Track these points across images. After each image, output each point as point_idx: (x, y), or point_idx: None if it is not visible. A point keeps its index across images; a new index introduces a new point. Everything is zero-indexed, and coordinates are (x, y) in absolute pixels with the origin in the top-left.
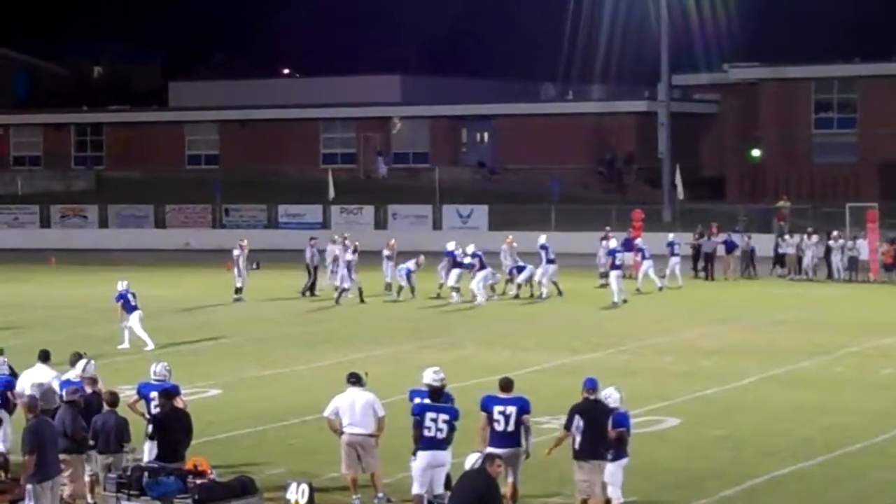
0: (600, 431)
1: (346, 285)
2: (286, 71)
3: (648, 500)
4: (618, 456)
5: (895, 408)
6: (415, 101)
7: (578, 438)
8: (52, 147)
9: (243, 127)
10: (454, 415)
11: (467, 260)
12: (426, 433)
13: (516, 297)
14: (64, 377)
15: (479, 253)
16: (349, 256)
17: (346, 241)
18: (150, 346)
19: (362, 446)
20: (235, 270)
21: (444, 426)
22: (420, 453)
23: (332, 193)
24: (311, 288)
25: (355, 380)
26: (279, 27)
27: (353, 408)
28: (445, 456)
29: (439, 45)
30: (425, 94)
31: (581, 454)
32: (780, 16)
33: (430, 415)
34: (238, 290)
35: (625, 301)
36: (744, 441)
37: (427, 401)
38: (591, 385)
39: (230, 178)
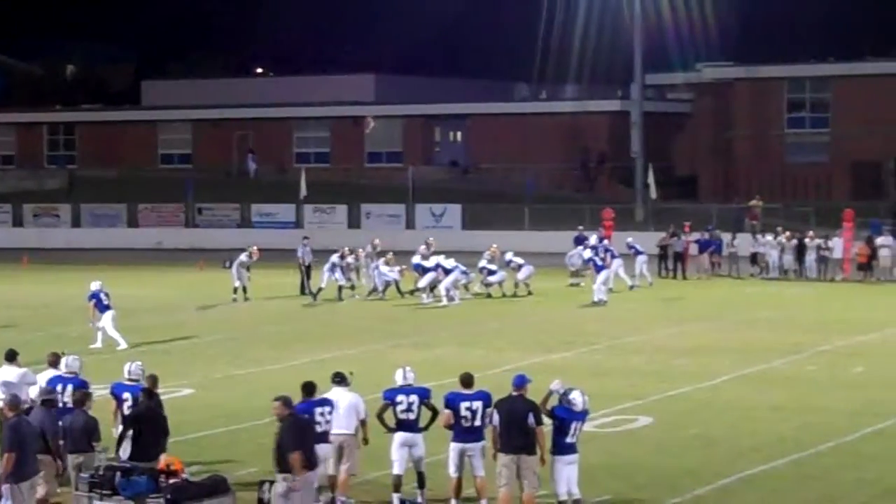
0: (517, 426)
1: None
2: (259, 70)
3: (621, 499)
4: (561, 452)
5: (867, 407)
6: (388, 100)
7: (498, 431)
8: (25, 146)
9: (216, 126)
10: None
11: (426, 264)
12: (317, 428)
13: (488, 296)
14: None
15: (440, 263)
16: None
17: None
18: (123, 345)
19: (345, 446)
20: (233, 269)
21: (330, 419)
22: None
23: (304, 192)
24: (304, 287)
25: (340, 379)
26: (253, 26)
27: (337, 407)
28: (330, 448)
29: (413, 44)
30: (399, 93)
31: (500, 447)
32: (754, 15)
33: (318, 409)
34: (235, 290)
35: (598, 301)
36: (716, 440)
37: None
38: (516, 382)
39: (203, 177)
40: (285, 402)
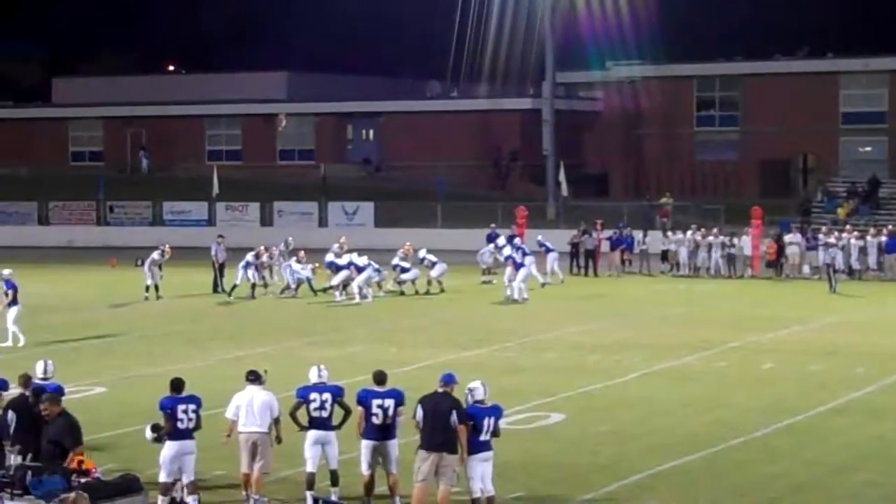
0: (441, 423)
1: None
2: (171, 68)
3: (533, 496)
4: (475, 450)
5: (776, 402)
6: (301, 97)
7: (421, 427)
8: None
9: (128, 124)
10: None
11: (339, 261)
12: (179, 425)
13: (401, 293)
14: None
15: (352, 261)
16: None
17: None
18: (22, 342)
19: (259, 444)
20: (145, 267)
21: (193, 416)
22: (169, 443)
23: (216, 190)
24: (217, 285)
25: (254, 377)
26: (164, 23)
27: (251, 406)
28: (192, 444)
29: (325, 42)
30: (311, 91)
31: (421, 443)
32: (664, 14)
33: (181, 406)
34: (147, 288)
35: (519, 300)
36: (628, 436)
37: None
38: (444, 379)
39: (115, 175)
40: (52, 400)
